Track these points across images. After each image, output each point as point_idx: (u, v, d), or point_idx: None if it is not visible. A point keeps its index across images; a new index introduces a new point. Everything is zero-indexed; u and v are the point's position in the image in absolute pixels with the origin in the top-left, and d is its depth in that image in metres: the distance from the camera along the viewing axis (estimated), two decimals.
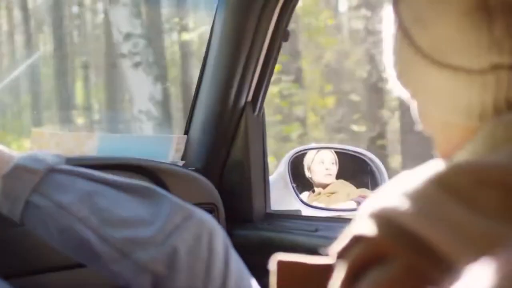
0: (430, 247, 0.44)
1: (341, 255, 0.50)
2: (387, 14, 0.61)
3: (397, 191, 0.50)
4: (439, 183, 0.48)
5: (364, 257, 0.48)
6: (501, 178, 0.45)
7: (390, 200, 0.49)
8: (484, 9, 0.52)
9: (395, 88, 0.62)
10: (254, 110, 1.45)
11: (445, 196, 0.46)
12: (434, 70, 0.55)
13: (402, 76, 0.60)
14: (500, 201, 0.44)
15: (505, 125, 0.51)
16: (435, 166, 0.50)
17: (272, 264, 0.62)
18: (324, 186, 1.84)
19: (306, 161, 1.84)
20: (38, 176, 0.93)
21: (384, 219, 0.48)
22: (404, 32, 0.58)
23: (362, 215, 0.51)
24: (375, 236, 0.47)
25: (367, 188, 1.83)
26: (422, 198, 0.47)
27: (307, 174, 1.84)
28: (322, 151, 1.83)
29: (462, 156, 0.53)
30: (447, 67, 0.54)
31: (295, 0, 1.35)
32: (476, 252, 0.43)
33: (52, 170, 0.94)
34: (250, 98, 1.44)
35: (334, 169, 1.84)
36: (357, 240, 0.49)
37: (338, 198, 1.83)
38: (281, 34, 1.38)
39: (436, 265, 0.43)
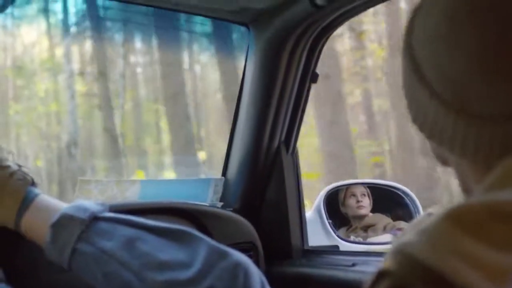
0: (448, 280, 0.47)
1: None
2: (403, 59, 0.64)
3: (416, 227, 0.54)
4: (453, 219, 0.51)
5: None
6: None
7: (409, 236, 0.53)
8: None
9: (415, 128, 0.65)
10: (287, 150, 1.50)
11: (459, 231, 0.50)
12: (450, 115, 0.58)
13: (417, 120, 0.63)
14: None
15: None
16: (449, 203, 0.54)
17: None
18: (359, 218, 1.87)
19: (339, 197, 1.88)
20: (83, 225, 0.99)
21: (404, 254, 0.51)
22: (420, 78, 0.61)
23: (388, 250, 0.55)
24: (397, 271, 0.51)
25: (404, 220, 1.85)
26: (437, 233, 0.51)
27: (342, 209, 1.87)
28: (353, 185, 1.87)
29: (479, 192, 0.55)
30: (463, 113, 0.57)
31: (322, 44, 1.42)
32: (492, 283, 0.46)
33: (96, 218, 1.01)
34: (283, 138, 1.49)
35: (366, 201, 1.87)
36: (382, 275, 0.53)
37: (375, 231, 1.85)
38: (310, 76, 1.44)
39: None
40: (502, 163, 0.55)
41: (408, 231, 0.59)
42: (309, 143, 4.69)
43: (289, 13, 1.34)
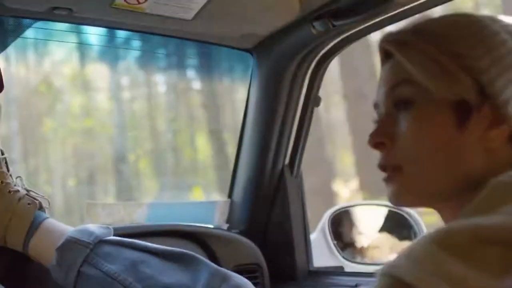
0: None
1: None
2: None
3: (404, 250, 0.55)
4: (439, 242, 0.53)
5: None
6: (500, 236, 0.50)
7: (397, 259, 0.55)
8: None
9: None
10: (292, 173, 1.52)
11: (444, 254, 0.51)
12: None
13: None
14: (498, 257, 0.49)
15: (503, 188, 0.57)
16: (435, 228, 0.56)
17: None
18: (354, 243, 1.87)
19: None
20: (88, 248, 1.02)
21: (391, 277, 0.53)
22: None
23: (377, 273, 0.57)
24: None
25: (410, 240, 1.85)
26: (423, 256, 0.53)
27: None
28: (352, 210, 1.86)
29: (465, 214, 0.57)
30: None
31: (324, 68, 1.44)
32: None
33: (100, 242, 1.04)
34: (287, 161, 1.52)
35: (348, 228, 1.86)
36: None
37: (381, 251, 1.86)
38: (313, 100, 1.47)
39: None
40: (490, 182, 0.57)
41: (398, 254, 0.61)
42: None
43: (291, 39, 1.37)
